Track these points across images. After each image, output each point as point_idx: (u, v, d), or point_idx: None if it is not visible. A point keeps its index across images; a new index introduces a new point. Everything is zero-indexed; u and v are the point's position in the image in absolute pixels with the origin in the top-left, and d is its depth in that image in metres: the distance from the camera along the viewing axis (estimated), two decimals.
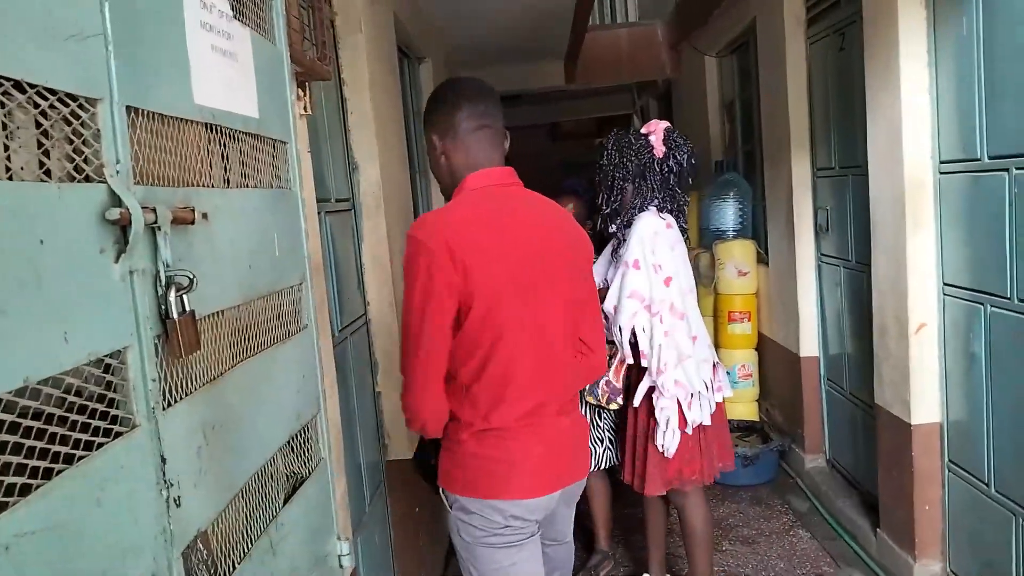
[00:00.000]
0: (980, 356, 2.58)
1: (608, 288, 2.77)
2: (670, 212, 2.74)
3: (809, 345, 4.12)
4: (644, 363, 2.65)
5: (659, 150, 2.73)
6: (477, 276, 1.62)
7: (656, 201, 2.72)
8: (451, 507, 1.79)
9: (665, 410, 2.62)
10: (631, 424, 2.80)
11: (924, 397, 2.87)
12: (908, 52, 2.75)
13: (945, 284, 2.77)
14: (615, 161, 2.77)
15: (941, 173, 2.73)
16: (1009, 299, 2.40)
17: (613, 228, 2.82)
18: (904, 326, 2.88)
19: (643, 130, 2.79)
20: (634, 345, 2.68)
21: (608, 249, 2.90)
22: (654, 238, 2.66)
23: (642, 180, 2.74)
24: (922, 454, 2.89)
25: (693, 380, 2.62)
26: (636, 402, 2.68)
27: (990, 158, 2.44)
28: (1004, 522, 2.51)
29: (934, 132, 2.74)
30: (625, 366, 2.79)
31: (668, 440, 2.63)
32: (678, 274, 2.67)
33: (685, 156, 2.74)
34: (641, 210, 2.72)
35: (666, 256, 2.66)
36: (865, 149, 3.11)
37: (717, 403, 2.74)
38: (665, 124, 2.80)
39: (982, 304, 2.54)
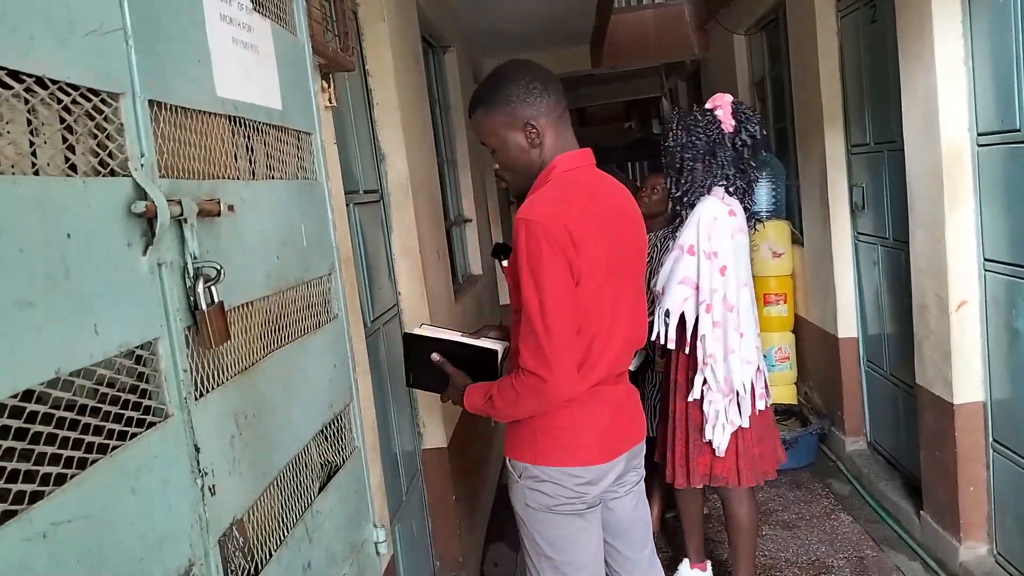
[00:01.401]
0: (1023, 332, 2.52)
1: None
2: (740, 191, 2.65)
3: (847, 326, 4.05)
4: (685, 349, 2.61)
5: (728, 124, 2.62)
6: (585, 256, 1.65)
7: (727, 179, 2.62)
8: (520, 477, 1.80)
9: (714, 403, 2.57)
10: (671, 412, 2.75)
11: (966, 376, 2.81)
12: (942, 22, 2.67)
13: (986, 260, 2.70)
14: (682, 141, 2.65)
15: (979, 146, 2.66)
16: None
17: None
18: (944, 304, 2.82)
19: (708, 105, 2.68)
20: (678, 330, 2.64)
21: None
22: (712, 224, 2.56)
23: (712, 158, 2.62)
24: (965, 434, 2.83)
25: (735, 378, 2.55)
26: (694, 396, 2.60)
27: None
28: None
29: (971, 104, 2.67)
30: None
31: (717, 436, 2.58)
32: (737, 266, 2.57)
33: (757, 128, 2.64)
34: (709, 191, 2.62)
35: (724, 244, 2.56)
36: (900, 124, 3.04)
37: (761, 410, 2.65)
38: (729, 97, 2.69)
39: None
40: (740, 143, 2.62)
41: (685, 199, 2.67)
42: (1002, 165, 2.54)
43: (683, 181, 2.67)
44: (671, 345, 2.64)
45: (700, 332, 2.56)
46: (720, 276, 2.55)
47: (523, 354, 1.65)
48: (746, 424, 2.60)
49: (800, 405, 4.54)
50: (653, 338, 2.65)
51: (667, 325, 2.63)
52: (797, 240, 4.53)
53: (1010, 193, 2.52)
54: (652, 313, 2.65)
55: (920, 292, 3.00)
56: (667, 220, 3.04)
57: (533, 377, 1.64)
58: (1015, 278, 2.53)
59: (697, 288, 2.57)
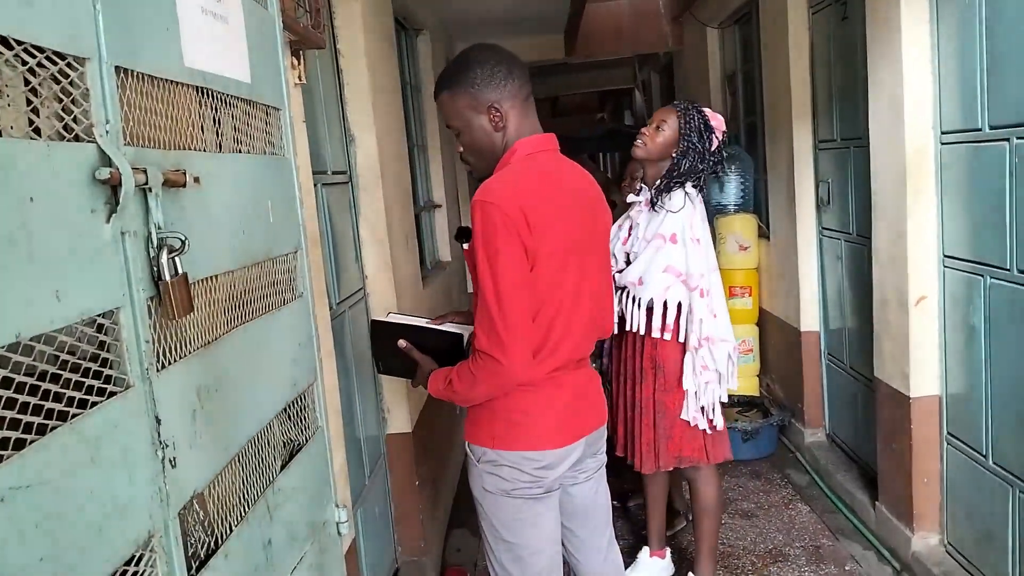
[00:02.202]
0: (979, 328, 2.58)
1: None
2: (705, 185, 2.73)
3: (810, 319, 4.12)
4: (665, 336, 2.64)
5: (719, 134, 2.72)
6: (542, 239, 1.65)
7: (700, 178, 2.69)
8: (478, 461, 1.82)
9: (711, 384, 2.64)
10: (626, 398, 2.80)
11: (923, 370, 2.87)
12: (910, 22, 2.72)
13: (945, 256, 2.76)
14: (696, 144, 2.69)
15: (942, 144, 2.71)
16: (1009, 270, 2.39)
17: (645, 197, 2.76)
18: (904, 298, 2.87)
19: (711, 117, 2.74)
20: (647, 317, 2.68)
21: (625, 219, 2.87)
22: (692, 212, 2.64)
23: (702, 161, 2.70)
24: (921, 427, 2.89)
25: (718, 358, 2.65)
26: (686, 384, 2.66)
27: (991, 128, 2.43)
28: (1001, 494, 2.52)
29: (935, 102, 2.72)
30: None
31: (717, 417, 2.68)
32: (709, 251, 2.67)
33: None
34: (681, 183, 2.68)
35: (702, 230, 2.65)
36: (867, 120, 3.09)
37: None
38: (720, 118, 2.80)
39: (982, 276, 2.54)
40: (720, 155, 2.72)
41: (664, 189, 2.70)
42: (964, 164, 2.60)
43: (676, 174, 2.69)
44: (642, 331, 2.67)
45: (696, 316, 2.62)
46: (705, 260, 2.63)
47: (478, 335, 1.66)
48: (725, 399, 2.71)
49: (761, 397, 4.61)
50: (635, 327, 2.68)
51: (641, 313, 2.66)
52: (763, 234, 4.59)
53: (971, 191, 2.58)
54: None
55: (881, 287, 3.06)
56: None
57: (488, 359, 1.64)
58: (973, 275, 2.59)
59: (683, 274, 2.62)
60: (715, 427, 2.70)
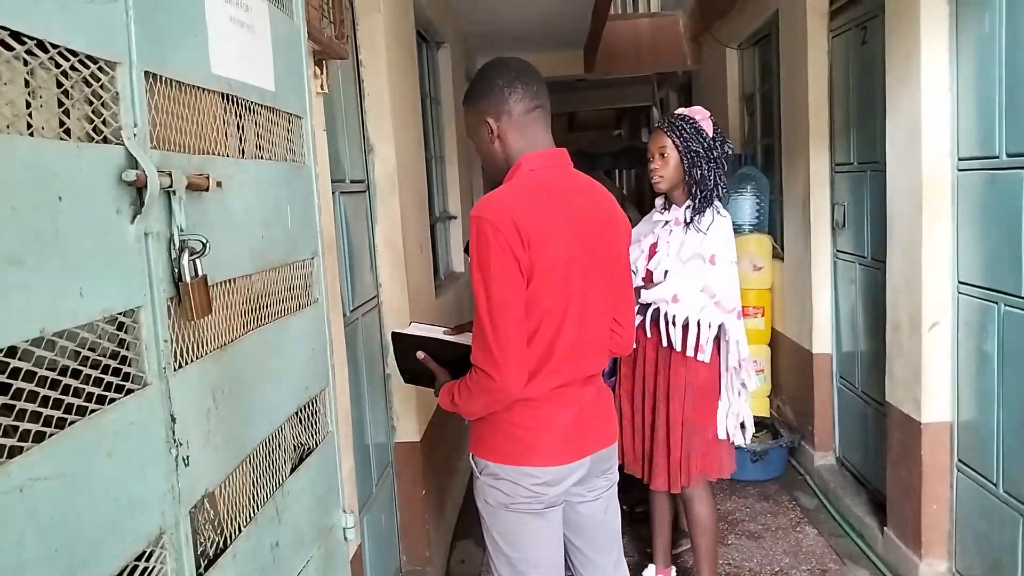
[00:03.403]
0: (992, 355, 2.57)
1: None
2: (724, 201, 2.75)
3: (822, 342, 4.10)
4: (699, 356, 2.66)
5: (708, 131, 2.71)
6: (538, 254, 1.65)
7: (722, 169, 2.69)
8: (480, 473, 1.82)
9: (747, 403, 2.75)
10: (644, 417, 2.81)
11: (935, 395, 2.86)
12: (930, 48, 2.72)
13: (960, 282, 2.75)
14: (694, 147, 2.68)
15: (959, 171, 2.71)
16: (1023, 298, 2.39)
17: (675, 216, 2.75)
18: (917, 323, 2.87)
19: (696, 116, 2.72)
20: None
21: (644, 232, 2.86)
22: (729, 233, 2.68)
23: (714, 165, 2.69)
24: (931, 453, 2.88)
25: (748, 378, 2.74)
26: (725, 403, 2.72)
27: (1008, 156, 2.42)
28: (1011, 523, 2.50)
29: (953, 129, 2.72)
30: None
31: (748, 434, 2.79)
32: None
33: (729, 146, 2.73)
34: (710, 201, 2.69)
35: (735, 252, 2.71)
36: (884, 145, 3.09)
37: None
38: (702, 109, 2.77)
39: (996, 303, 2.53)
40: (721, 137, 2.70)
41: (700, 210, 2.69)
42: (980, 190, 2.60)
43: (700, 187, 2.68)
44: (678, 348, 2.68)
45: (733, 337, 2.66)
46: (737, 283, 2.69)
47: (474, 351, 1.68)
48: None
49: (772, 418, 4.59)
50: (674, 344, 2.68)
51: (677, 331, 2.66)
52: (778, 255, 4.59)
53: (986, 218, 2.57)
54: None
55: (894, 311, 3.05)
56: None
57: (482, 374, 1.66)
58: (987, 301, 2.58)
59: (717, 296, 2.64)
60: (745, 442, 2.81)
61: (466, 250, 5.66)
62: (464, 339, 1.91)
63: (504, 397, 1.68)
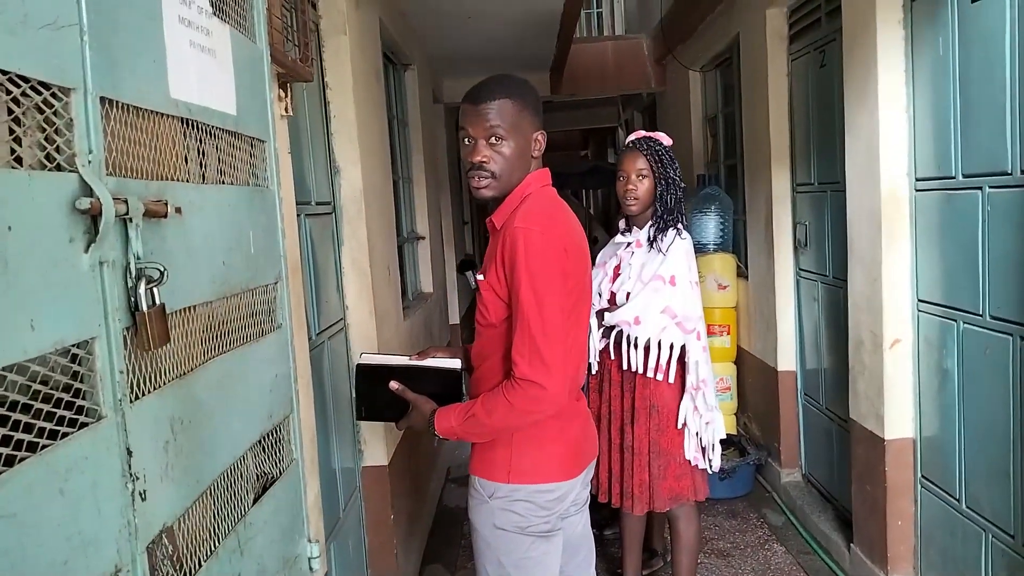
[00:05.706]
0: (953, 372, 2.61)
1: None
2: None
3: (787, 359, 4.15)
4: (658, 376, 2.67)
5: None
6: (573, 270, 1.71)
7: (682, 212, 2.74)
8: (489, 497, 1.78)
9: (711, 424, 2.72)
10: (611, 440, 2.80)
11: (898, 412, 2.90)
12: (886, 70, 2.79)
13: (919, 300, 2.80)
14: (670, 174, 2.73)
15: (917, 190, 2.77)
16: (981, 316, 2.43)
17: (636, 238, 2.77)
18: (879, 341, 2.91)
19: (660, 139, 2.76)
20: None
21: (608, 255, 2.87)
22: (690, 254, 2.70)
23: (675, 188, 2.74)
24: (895, 469, 2.91)
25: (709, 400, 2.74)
26: (680, 423, 2.71)
27: (964, 176, 2.48)
28: (974, 537, 2.54)
29: (911, 149, 2.78)
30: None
31: (717, 457, 2.76)
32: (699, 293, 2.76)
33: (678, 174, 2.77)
34: (672, 224, 2.72)
35: (696, 273, 2.73)
36: (843, 165, 3.15)
37: None
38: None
39: (955, 320, 2.58)
40: (681, 182, 2.75)
41: (662, 230, 2.72)
42: (937, 210, 2.65)
43: (666, 210, 2.72)
44: (641, 370, 2.68)
45: (692, 359, 2.67)
46: (699, 304, 2.71)
47: (518, 362, 1.63)
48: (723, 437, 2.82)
49: (739, 435, 4.61)
50: (634, 367, 2.69)
51: (639, 353, 2.67)
52: (742, 274, 4.63)
53: (944, 237, 2.62)
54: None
55: (856, 329, 3.09)
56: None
57: (531, 385, 1.62)
58: (947, 319, 2.63)
59: (678, 316, 2.64)
60: (713, 467, 2.76)
61: (460, 269, 5.61)
62: (445, 363, 1.86)
63: (551, 407, 1.67)
